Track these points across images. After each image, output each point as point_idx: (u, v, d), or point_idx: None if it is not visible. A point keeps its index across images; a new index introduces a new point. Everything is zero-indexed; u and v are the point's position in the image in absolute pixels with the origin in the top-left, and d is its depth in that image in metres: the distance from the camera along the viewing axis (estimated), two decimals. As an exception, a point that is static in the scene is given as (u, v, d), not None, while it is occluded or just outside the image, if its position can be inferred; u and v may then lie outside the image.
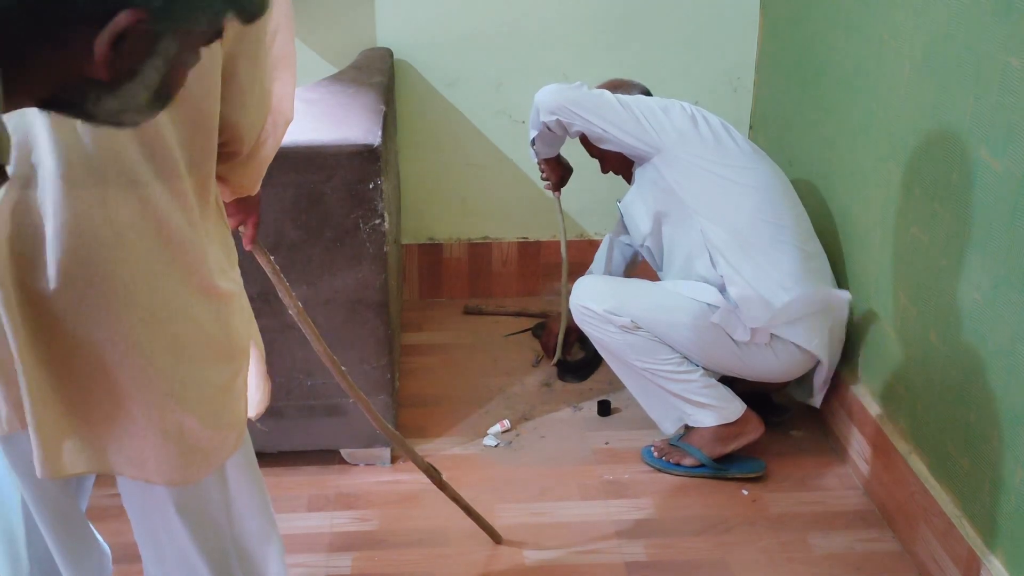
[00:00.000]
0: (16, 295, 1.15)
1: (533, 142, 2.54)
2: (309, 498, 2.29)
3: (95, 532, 1.48)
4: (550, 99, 2.38)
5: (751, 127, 3.15)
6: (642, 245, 2.51)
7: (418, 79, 3.07)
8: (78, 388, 1.21)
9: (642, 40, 3.06)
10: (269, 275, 1.66)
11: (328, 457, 2.39)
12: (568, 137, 2.48)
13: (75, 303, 1.16)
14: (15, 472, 1.31)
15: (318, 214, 2.14)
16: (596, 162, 2.62)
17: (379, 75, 2.67)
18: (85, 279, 1.15)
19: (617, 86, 2.57)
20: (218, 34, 0.86)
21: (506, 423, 2.56)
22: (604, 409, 2.63)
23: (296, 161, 2.08)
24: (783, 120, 2.89)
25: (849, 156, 2.42)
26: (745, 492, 2.33)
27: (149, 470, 1.27)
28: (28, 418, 1.20)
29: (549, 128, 2.44)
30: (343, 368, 1.83)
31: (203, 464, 1.31)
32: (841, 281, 2.44)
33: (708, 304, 2.28)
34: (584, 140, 2.53)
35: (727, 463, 2.36)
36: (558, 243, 2.88)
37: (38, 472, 1.22)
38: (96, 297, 1.16)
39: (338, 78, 2.64)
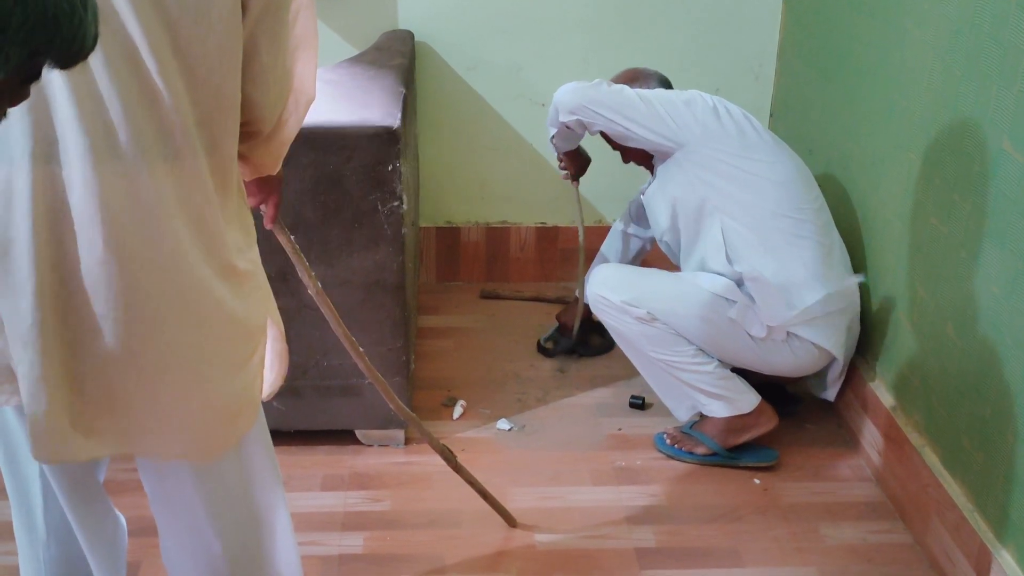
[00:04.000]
0: (48, 274, 1.16)
1: (552, 138, 2.54)
2: (323, 477, 2.31)
3: (111, 504, 1.50)
4: (570, 99, 2.37)
5: (771, 115, 3.14)
6: (661, 240, 2.51)
7: (439, 62, 3.07)
8: (98, 369, 1.22)
9: (663, 26, 3.05)
10: (289, 255, 1.67)
11: (343, 437, 2.41)
12: (589, 134, 2.48)
13: (106, 282, 1.17)
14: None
15: (336, 195, 2.15)
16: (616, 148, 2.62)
17: (399, 57, 2.67)
18: (117, 257, 1.16)
19: (634, 78, 2.56)
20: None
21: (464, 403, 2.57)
22: (638, 404, 2.62)
23: (315, 142, 2.09)
24: (804, 108, 2.88)
25: (869, 145, 2.41)
26: (757, 481, 2.33)
27: (171, 449, 1.29)
28: (24, 399, 1.20)
29: (568, 127, 2.44)
30: (360, 349, 1.84)
31: (222, 441, 1.33)
32: (859, 272, 2.44)
33: (726, 299, 2.28)
34: (605, 134, 2.52)
35: (739, 452, 2.37)
36: (576, 229, 2.89)
37: (32, 454, 1.23)
38: (127, 275, 1.17)
39: (358, 60, 2.64)
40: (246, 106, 1.26)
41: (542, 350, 2.88)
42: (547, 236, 3.27)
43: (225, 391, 1.30)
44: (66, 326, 1.19)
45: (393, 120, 2.15)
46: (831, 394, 2.45)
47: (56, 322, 1.18)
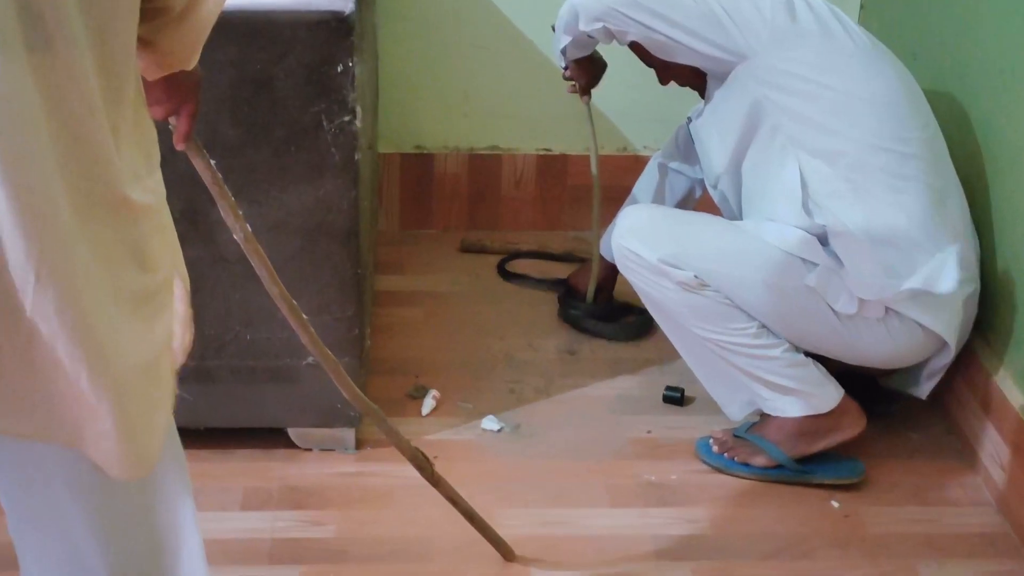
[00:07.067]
0: None
1: (563, 50, 2.56)
2: (245, 491, 2.32)
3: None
4: (593, 1, 2.38)
5: (862, 7, 3.14)
6: (715, 187, 2.50)
7: (407, -74, 3.06)
8: None
9: None
10: (208, 185, 1.66)
11: (271, 438, 2.42)
12: (617, 43, 2.48)
13: None
14: None
15: (265, 106, 2.14)
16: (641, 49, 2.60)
17: (354, -82, 2.66)
18: None
19: None
20: None
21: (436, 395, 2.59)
22: (675, 398, 2.63)
23: (236, 32, 2.08)
24: (908, -2, 2.88)
25: (995, 48, 2.40)
26: (835, 504, 2.35)
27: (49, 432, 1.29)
28: None
29: (590, 36, 2.45)
30: (304, 316, 1.84)
31: (130, 440, 1.32)
32: (981, 224, 2.44)
33: (803, 259, 2.27)
34: (637, 46, 2.50)
35: (813, 464, 2.38)
36: (588, 159, 2.88)
37: None
38: None
39: (297, -80, 2.63)
40: (151, -25, 1.25)
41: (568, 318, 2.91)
42: (552, 167, 3.27)
43: (119, 371, 1.30)
44: None
45: (344, 4, 2.14)
46: (924, 391, 2.45)
47: None
